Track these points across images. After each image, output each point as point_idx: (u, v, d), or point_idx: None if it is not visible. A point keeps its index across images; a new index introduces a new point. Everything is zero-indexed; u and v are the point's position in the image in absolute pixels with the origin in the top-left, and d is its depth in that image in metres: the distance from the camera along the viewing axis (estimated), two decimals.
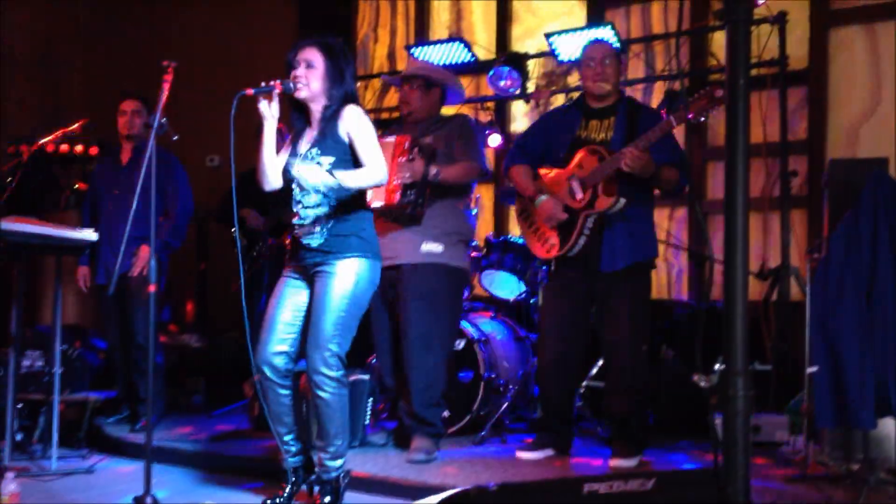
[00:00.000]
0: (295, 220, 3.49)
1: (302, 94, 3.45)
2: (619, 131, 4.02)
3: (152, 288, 3.32)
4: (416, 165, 4.14)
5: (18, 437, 4.51)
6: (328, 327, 3.37)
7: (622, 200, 3.93)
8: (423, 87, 4.48)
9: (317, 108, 3.50)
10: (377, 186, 3.48)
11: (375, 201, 4.21)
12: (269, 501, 3.49)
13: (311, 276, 3.48)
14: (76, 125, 4.23)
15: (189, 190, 5.13)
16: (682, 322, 5.17)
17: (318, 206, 3.45)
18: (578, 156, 4.04)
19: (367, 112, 3.58)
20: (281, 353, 3.46)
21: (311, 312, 3.43)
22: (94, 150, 5.99)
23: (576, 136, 4.14)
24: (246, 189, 5.74)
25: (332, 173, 3.34)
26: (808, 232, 5.44)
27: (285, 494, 3.50)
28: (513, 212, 6.62)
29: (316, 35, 3.55)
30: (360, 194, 3.53)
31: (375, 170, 3.42)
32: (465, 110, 4.90)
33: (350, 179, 3.36)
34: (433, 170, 4.18)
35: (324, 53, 3.48)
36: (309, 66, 3.45)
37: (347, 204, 3.47)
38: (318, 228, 3.44)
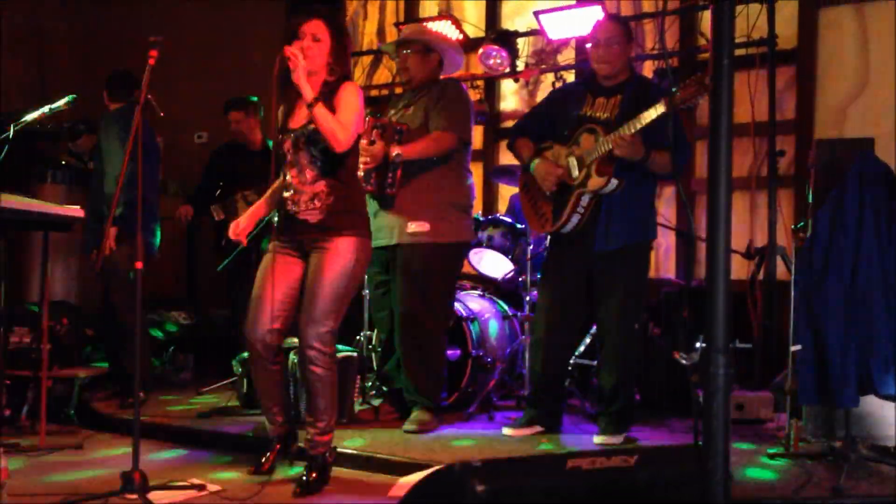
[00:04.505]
0: (288, 195, 3.48)
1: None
2: (622, 111, 3.98)
3: (139, 265, 3.31)
4: (376, 149, 4.13)
5: (7, 413, 4.51)
6: (325, 304, 3.39)
7: (614, 181, 3.92)
8: (421, 51, 4.42)
9: (314, 83, 3.47)
10: (334, 141, 3.36)
11: None
12: (255, 469, 3.57)
13: (306, 252, 3.49)
14: (62, 101, 4.20)
15: (122, 155, 4.90)
16: (669, 301, 5.20)
17: (316, 181, 3.44)
18: (579, 133, 4.03)
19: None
20: (274, 330, 3.47)
21: (306, 288, 3.44)
22: (80, 127, 5.97)
23: (581, 114, 4.11)
24: (225, 163, 5.80)
25: (317, 101, 3.32)
26: (794, 211, 5.47)
27: (271, 463, 3.57)
28: (502, 190, 6.64)
29: (320, 8, 3.51)
30: (355, 172, 3.54)
31: (341, 126, 3.37)
32: None
33: (324, 114, 3.33)
34: (395, 151, 4.14)
35: (330, 28, 3.47)
36: (315, 39, 3.44)
37: (344, 181, 3.47)
38: (316, 204, 3.44)
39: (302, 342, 3.42)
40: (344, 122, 3.39)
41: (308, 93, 3.34)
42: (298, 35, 3.43)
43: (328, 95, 3.44)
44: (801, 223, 4.13)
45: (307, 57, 3.38)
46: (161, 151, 5.27)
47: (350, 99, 3.44)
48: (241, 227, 3.60)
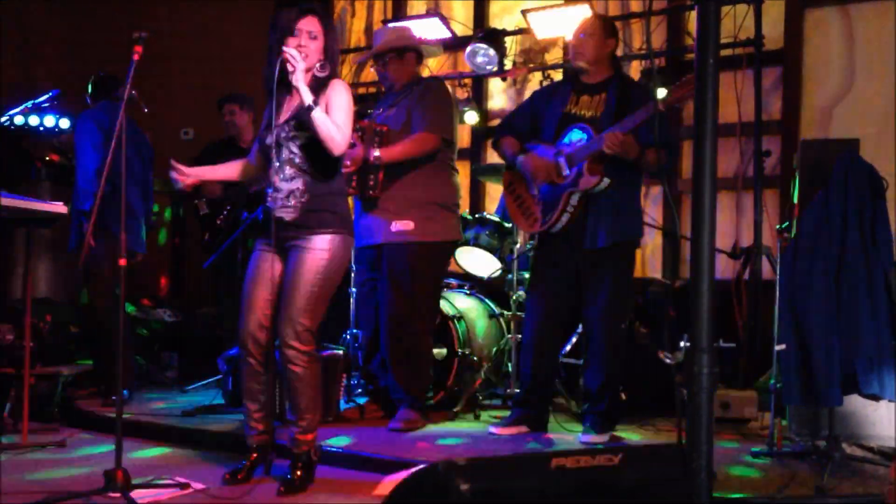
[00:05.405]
0: (270, 192, 3.47)
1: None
2: (608, 108, 3.99)
3: (123, 262, 3.28)
4: (356, 152, 4.12)
5: None
6: (300, 302, 3.36)
7: (605, 181, 3.92)
8: (395, 57, 4.43)
9: (306, 81, 3.43)
10: (333, 145, 3.35)
11: None
12: (229, 476, 3.48)
13: (284, 250, 3.47)
14: (46, 97, 4.17)
15: (89, 149, 4.83)
16: (655, 300, 5.21)
17: (293, 179, 3.43)
18: (567, 132, 4.03)
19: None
20: (265, 328, 3.45)
21: (283, 287, 3.43)
22: (64, 123, 5.93)
23: (565, 112, 4.11)
24: (216, 159, 5.77)
25: (315, 104, 3.31)
26: (780, 211, 5.50)
27: (245, 471, 3.49)
28: (489, 188, 6.64)
29: (314, 5, 3.48)
30: (337, 171, 3.52)
31: (338, 129, 3.36)
32: None
33: (323, 118, 3.32)
34: (373, 153, 4.14)
35: (324, 26, 3.46)
36: (312, 36, 3.42)
37: (323, 179, 3.44)
38: (292, 202, 3.42)
39: (280, 341, 3.39)
40: (339, 123, 3.38)
41: (307, 96, 3.32)
42: (294, 32, 3.41)
43: (317, 92, 3.41)
44: (787, 223, 4.14)
45: (305, 56, 3.37)
46: (151, 149, 5.23)
47: (341, 99, 3.43)
48: (194, 174, 3.60)
